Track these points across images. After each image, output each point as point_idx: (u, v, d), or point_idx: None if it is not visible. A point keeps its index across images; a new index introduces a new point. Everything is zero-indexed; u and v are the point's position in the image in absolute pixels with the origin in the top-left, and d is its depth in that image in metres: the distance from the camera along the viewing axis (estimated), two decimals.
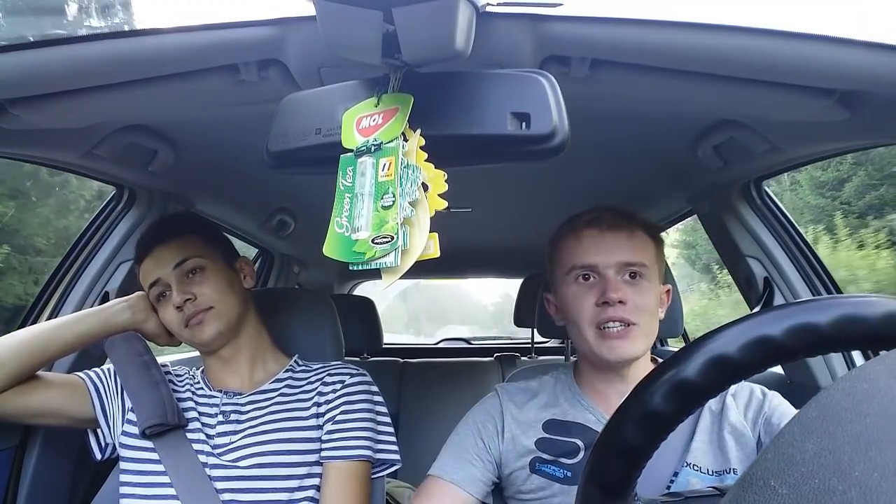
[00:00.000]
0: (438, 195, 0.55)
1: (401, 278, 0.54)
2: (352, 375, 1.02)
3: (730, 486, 0.41)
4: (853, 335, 0.38)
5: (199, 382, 1.04)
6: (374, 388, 1.04)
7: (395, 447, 1.03)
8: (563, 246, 0.90)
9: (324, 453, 0.96)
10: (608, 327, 0.84)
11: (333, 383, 1.01)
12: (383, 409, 1.04)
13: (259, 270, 2.18)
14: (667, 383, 0.41)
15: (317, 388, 1.01)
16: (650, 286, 0.86)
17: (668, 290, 0.93)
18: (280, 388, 1.02)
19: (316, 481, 0.96)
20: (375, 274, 0.54)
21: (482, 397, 0.97)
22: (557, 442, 0.87)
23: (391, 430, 1.04)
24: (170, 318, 0.98)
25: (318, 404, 0.99)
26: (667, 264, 0.97)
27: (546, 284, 0.99)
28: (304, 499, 0.94)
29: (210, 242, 1.03)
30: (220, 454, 0.94)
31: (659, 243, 0.90)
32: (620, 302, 0.83)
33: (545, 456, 0.87)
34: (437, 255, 0.54)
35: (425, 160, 0.55)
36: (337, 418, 0.98)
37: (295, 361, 1.07)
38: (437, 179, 0.55)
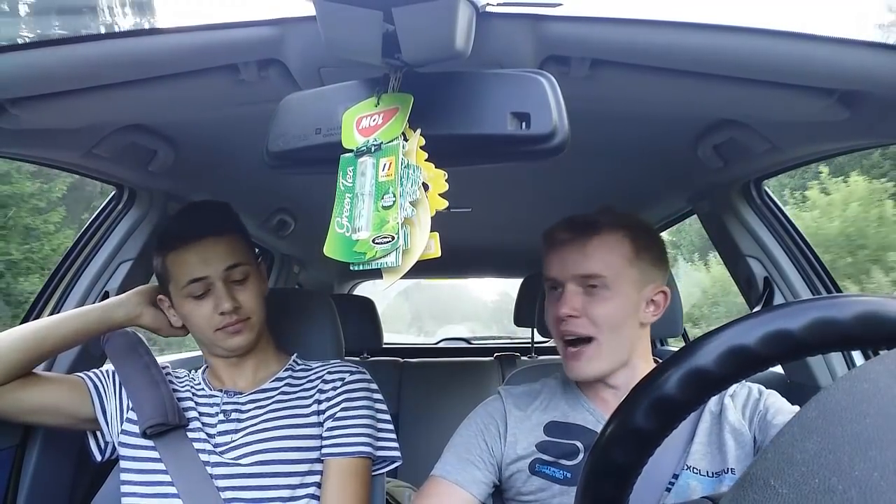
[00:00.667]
0: (439, 195, 0.55)
1: (401, 278, 0.54)
2: (351, 373, 1.03)
3: (723, 494, 0.41)
4: (828, 339, 0.38)
5: (199, 383, 1.04)
6: (374, 386, 1.05)
7: (395, 444, 1.03)
8: (543, 257, 0.92)
9: (324, 450, 0.96)
10: (568, 345, 0.86)
11: (333, 381, 1.01)
12: (383, 407, 1.04)
13: None
14: (646, 401, 0.41)
15: (317, 385, 1.01)
16: (613, 295, 0.84)
17: (662, 292, 0.89)
18: (280, 387, 1.02)
19: (317, 479, 0.96)
20: (375, 274, 0.54)
21: (482, 397, 0.98)
22: (558, 444, 0.87)
23: (391, 427, 1.04)
24: (203, 317, 0.95)
25: (319, 402, 1.00)
26: (667, 264, 0.96)
27: None
28: (306, 496, 0.94)
29: (250, 247, 1.02)
30: (221, 453, 0.94)
31: (638, 244, 0.86)
32: (572, 316, 0.84)
33: (545, 457, 0.87)
34: (439, 254, 0.54)
35: (425, 160, 0.55)
36: (337, 415, 0.98)
37: (294, 360, 1.08)
38: (438, 179, 0.55)
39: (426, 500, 0.87)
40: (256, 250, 2.11)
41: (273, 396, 1.01)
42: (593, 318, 0.84)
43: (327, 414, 0.98)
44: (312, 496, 0.95)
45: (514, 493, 0.90)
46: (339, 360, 1.09)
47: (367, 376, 1.05)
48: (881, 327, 0.37)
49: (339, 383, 1.01)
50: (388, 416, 1.05)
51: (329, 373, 1.03)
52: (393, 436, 1.04)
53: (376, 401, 1.03)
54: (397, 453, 1.03)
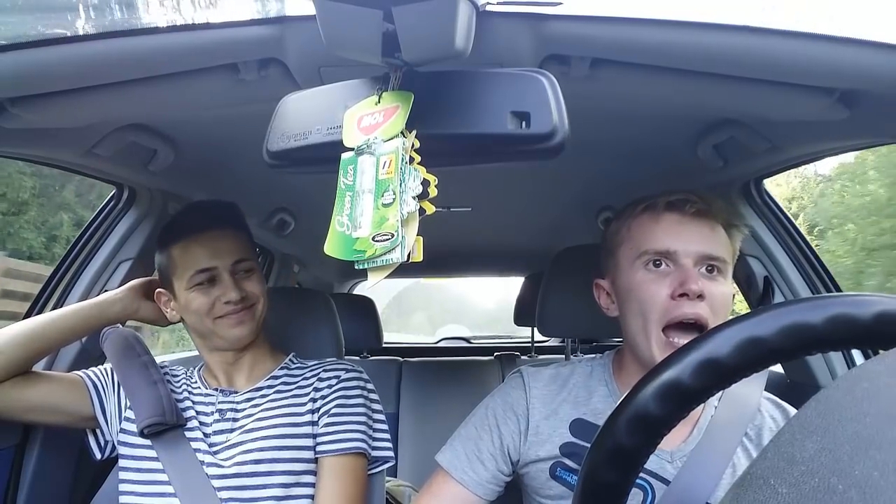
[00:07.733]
0: (427, 200, 0.55)
1: (395, 277, 0.54)
2: (347, 371, 1.03)
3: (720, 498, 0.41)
4: (848, 336, 0.38)
5: (196, 382, 1.04)
6: (370, 385, 1.05)
7: (389, 444, 1.04)
8: (636, 225, 0.81)
9: (319, 447, 0.96)
10: (680, 333, 0.74)
11: (329, 379, 1.01)
12: (378, 407, 1.04)
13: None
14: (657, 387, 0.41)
15: (312, 383, 1.01)
16: (727, 282, 0.77)
17: (733, 294, 0.80)
18: (276, 385, 1.02)
19: (312, 478, 0.96)
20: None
21: (482, 396, 0.93)
22: (584, 448, 0.79)
23: (385, 427, 1.05)
24: (206, 305, 0.96)
25: (314, 399, 1.00)
26: None
27: (601, 269, 0.89)
28: (301, 495, 0.94)
29: (254, 246, 1.06)
30: (216, 451, 0.94)
31: (734, 243, 0.82)
32: (699, 296, 0.73)
33: (569, 463, 0.80)
34: (420, 258, 0.54)
35: (418, 163, 0.55)
36: (332, 412, 0.98)
37: (290, 359, 1.08)
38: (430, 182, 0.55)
39: (430, 498, 0.85)
40: (257, 250, 2.14)
41: (268, 395, 1.01)
42: (714, 305, 0.73)
43: (322, 411, 0.98)
44: (308, 496, 0.95)
45: (531, 489, 0.86)
46: (334, 359, 1.09)
47: (364, 375, 1.05)
48: None
49: (334, 381, 1.01)
50: (382, 416, 1.05)
51: (325, 370, 1.03)
52: (387, 436, 1.04)
53: (372, 400, 1.03)
54: (390, 453, 1.03)
